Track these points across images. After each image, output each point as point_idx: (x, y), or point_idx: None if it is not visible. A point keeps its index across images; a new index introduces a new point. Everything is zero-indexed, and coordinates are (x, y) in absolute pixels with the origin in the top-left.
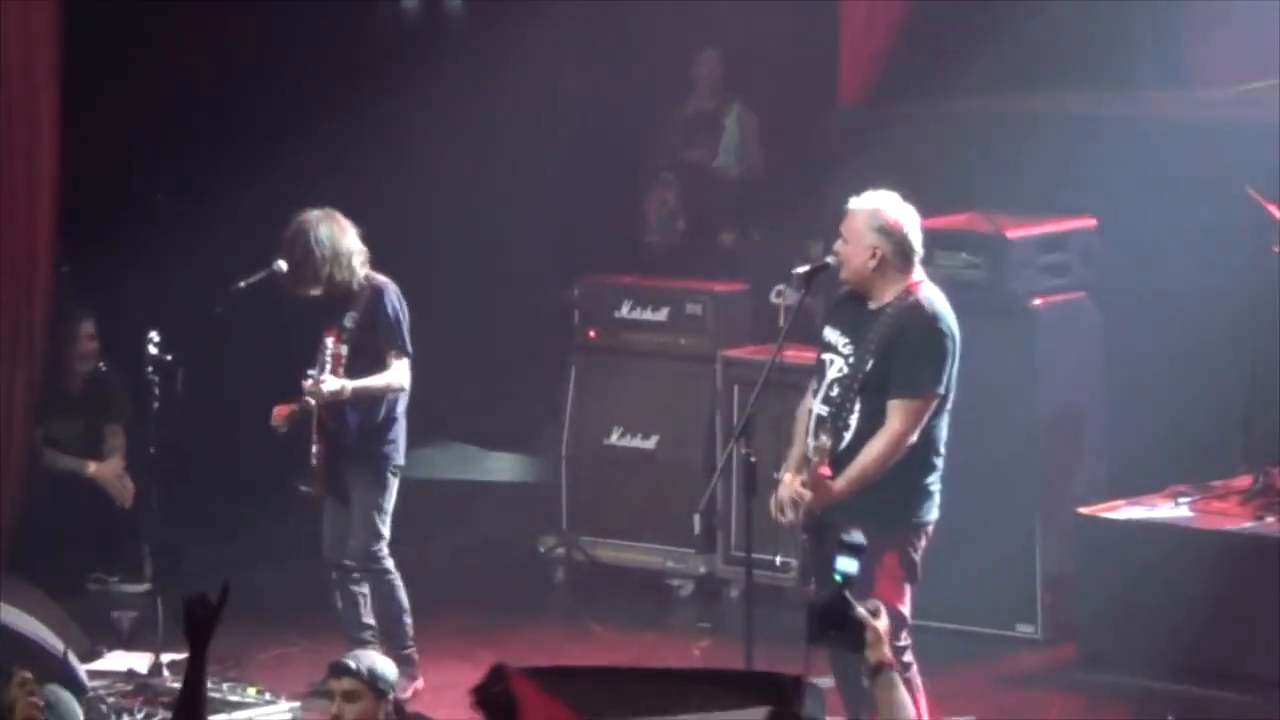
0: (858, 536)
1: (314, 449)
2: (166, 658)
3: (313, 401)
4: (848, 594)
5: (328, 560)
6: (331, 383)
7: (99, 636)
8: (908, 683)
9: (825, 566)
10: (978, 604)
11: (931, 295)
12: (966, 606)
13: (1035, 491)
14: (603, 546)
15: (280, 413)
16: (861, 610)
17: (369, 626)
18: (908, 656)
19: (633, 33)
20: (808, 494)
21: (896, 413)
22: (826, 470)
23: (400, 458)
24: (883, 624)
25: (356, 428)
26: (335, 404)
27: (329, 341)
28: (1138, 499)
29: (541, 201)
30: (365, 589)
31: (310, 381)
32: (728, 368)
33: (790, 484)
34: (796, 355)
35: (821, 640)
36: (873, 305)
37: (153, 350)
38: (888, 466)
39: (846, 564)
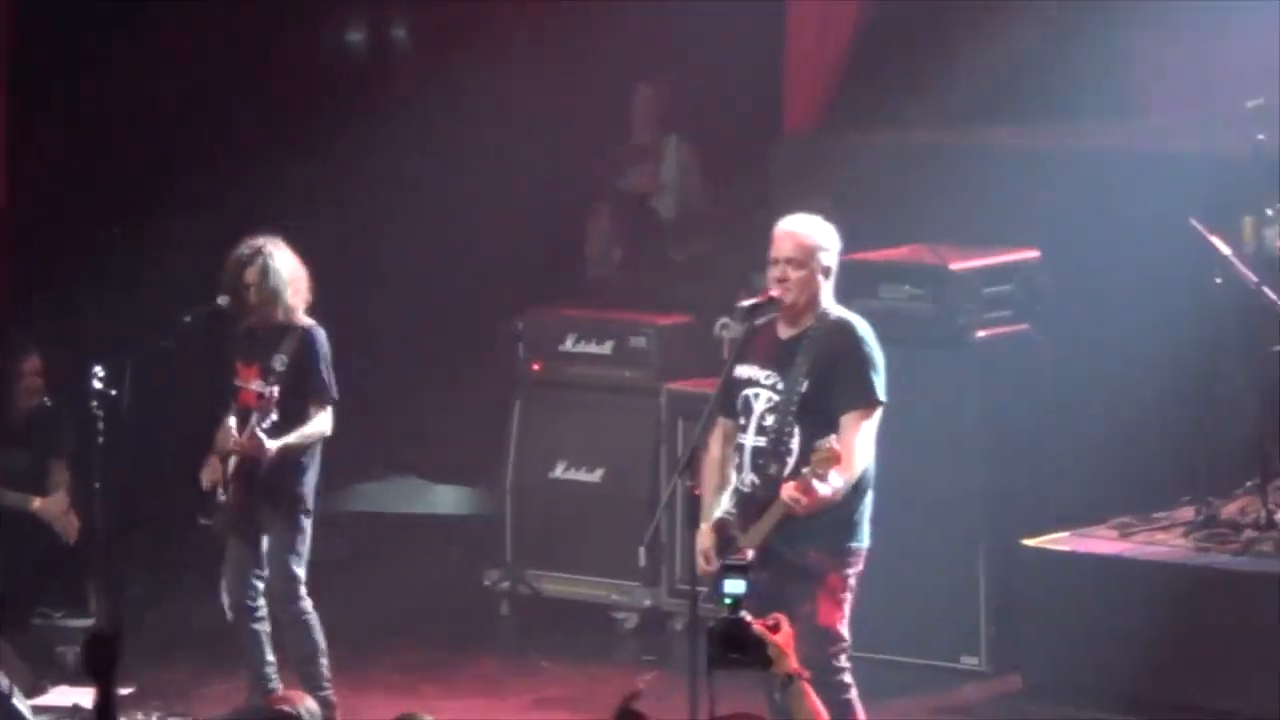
0: (739, 559)
1: (227, 489)
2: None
3: (238, 449)
4: (743, 614)
5: (226, 601)
6: (269, 442)
7: (44, 671)
8: (847, 705)
9: (776, 593)
10: (921, 636)
11: (849, 312)
12: (910, 638)
13: (979, 523)
14: (548, 580)
15: (215, 467)
16: (759, 627)
17: (271, 663)
18: (847, 677)
19: (577, 65)
20: (803, 499)
21: (854, 424)
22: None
23: (311, 501)
24: (783, 636)
25: (271, 471)
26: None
27: (257, 386)
28: (1082, 531)
29: (486, 233)
30: (266, 627)
31: (245, 436)
32: (672, 400)
33: (707, 534)
34: None
35: (725, 664)
36: (785, 334)
37: (97, 385)
38: (854, 479)
39: (733, 585)
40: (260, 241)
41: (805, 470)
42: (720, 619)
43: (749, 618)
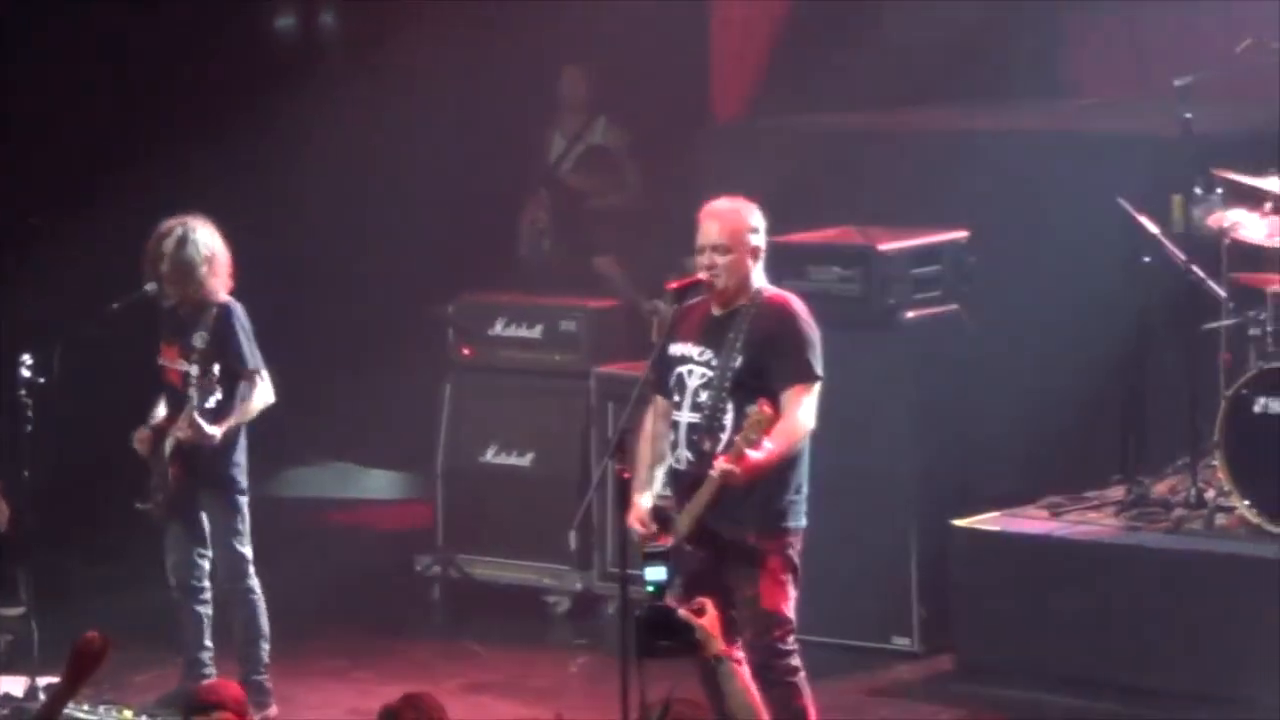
0: (658, 545)
1: (165, 472)
2: (43, 681)
3: (181, 436)
4: (668, 600)
5: (171, 581)
6: (212, 429)
7: None
8: (795, 687)
9: (713, 572)
10: (853, 617)
11: (782, 290)
12: (842, 620)
13: (910, 504)
14: (479, 564)
15: (144, 437)
16: (684, 612)
17: (208, 649)
18: (794, 660)
19: (508, 50)
20: (736, 469)
21: (795, 399)
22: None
23: (244, 479)
24: (709, 618)
25: (208, 453)
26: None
27: (180, 365)
28: (1012, 511)
29: (417, 219)
30: (209, 610)
31: (186, 424)
32: (602, 384)
33: (641, 508)
34: None
35: (654, 651)
36: (719, 312)
37: (25, 373)
38: (795, 450)
39: (654, 572)
40: (178, 220)
41: (737, 436)
42: (646, 607)
43: (674, 603)
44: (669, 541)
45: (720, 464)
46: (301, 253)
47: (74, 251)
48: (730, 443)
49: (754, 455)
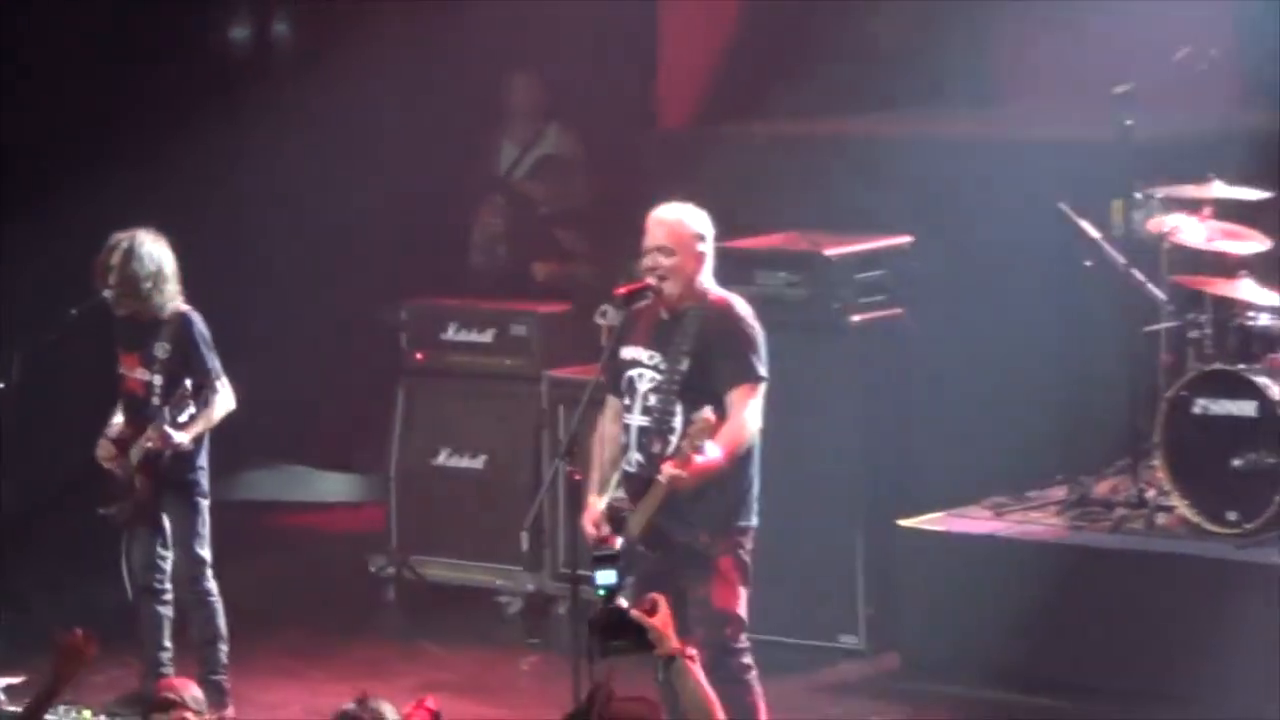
0: (607, 549)
1: (133, 480)
2: (1, 681)
3: (150, 445)
4: (619, 601)
5: (137, 583)
6: (181, 436)
7: None
8: (747, 685)
9: (666, 573)
10: (801, 616)
11: (727, 293)
12: (790, 618)
13: (856, 505)
14: (432, 565)
15: (110, 453)
16: (636, 612)
17: (167, 649)
18: (747, 658)
19: (457, 57)
20: (683, 474)
21: (740, 401)
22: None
23: (206, 483)
24: (660, 618)
25: (171, 458)
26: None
27: (141, 375)
28: (957, 510)
29: (370, 225)
30: (169, 611)
31: (155, 434)
32: (553, 387)
33: (596, 507)
34: None
35: (609, 652)
36: (667, 315)
37: None
38: (740, 452)
39: (604, 576)
40: (130, 232)
41: (683, 443)
42: (598, 609)
43: (625, 604)
44: (617, 543)
45: (666, 470)
46: (255, 259)
47: (29, 259)
48: (679, 447)
49: (699, 461)
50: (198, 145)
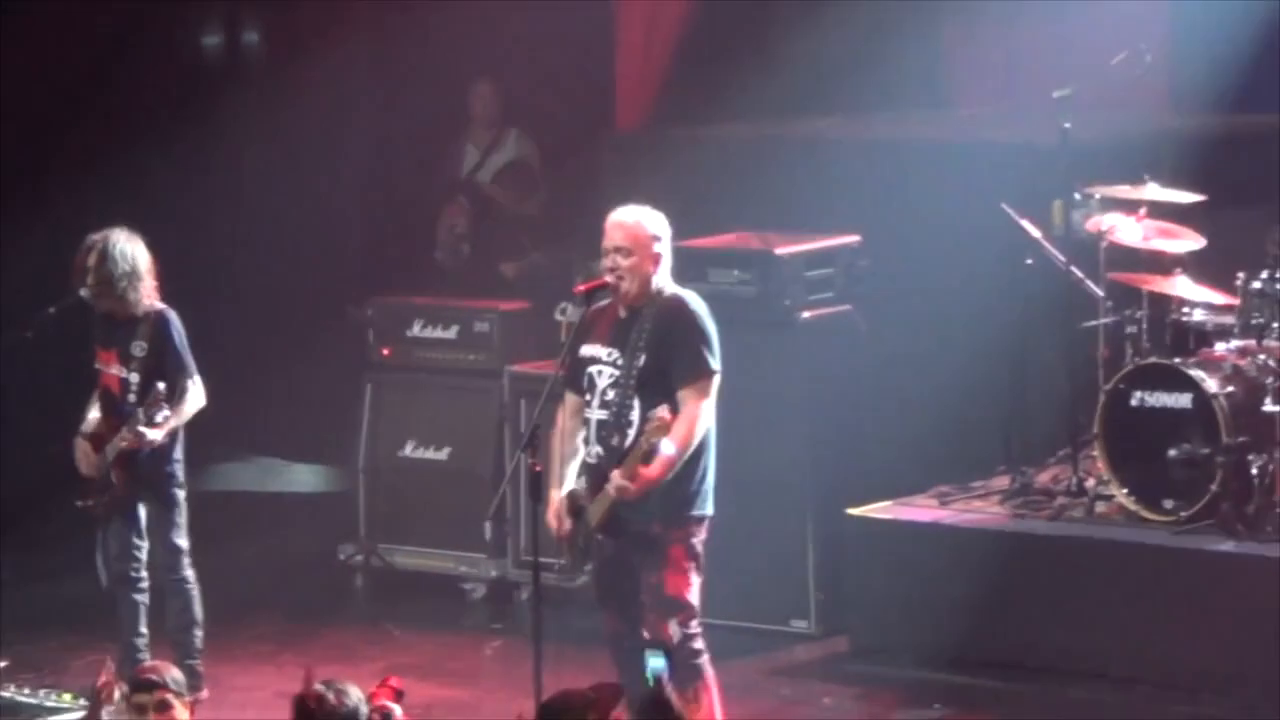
0: (661, 644)
1: (109, 475)
2: None
3: (125, 444)
4: (665, 689)
5: (113, 571)
6: (151, 434)
7: None
8: (697, 669)
9: (623, 559)
10: (753, 601)
11: (682, 290)
12: (743, 604)
13: (806, 494)
14: (399, 553)
15: (86, 450)
16: (678, 701)
17: (143, 635)
18: (698, 644)
19: (422, 64)
20: (630, 485)
21: (690, 397)
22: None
23: (182, 474)
24: (703, 712)
25: (148, 453)
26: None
27: (117, 371)
28: (904, 499)
29: (338, 225)
30: (145, 599)
31: (130, 433)
32: (514, 382)
33: (557, 500)
34: None
35: None
36: (624, 313)
37: None
38: (693, 447)
39: (655, 662)
40: (106, 232)
41: (640, 440)
42: (644, 694)
43: (669, 692)
44: (672, 635)
45: (614, 480)
46: (229, 259)
47: (3, 259)
48: (636, 439)
49: (649, 472)
50: (170, 148)
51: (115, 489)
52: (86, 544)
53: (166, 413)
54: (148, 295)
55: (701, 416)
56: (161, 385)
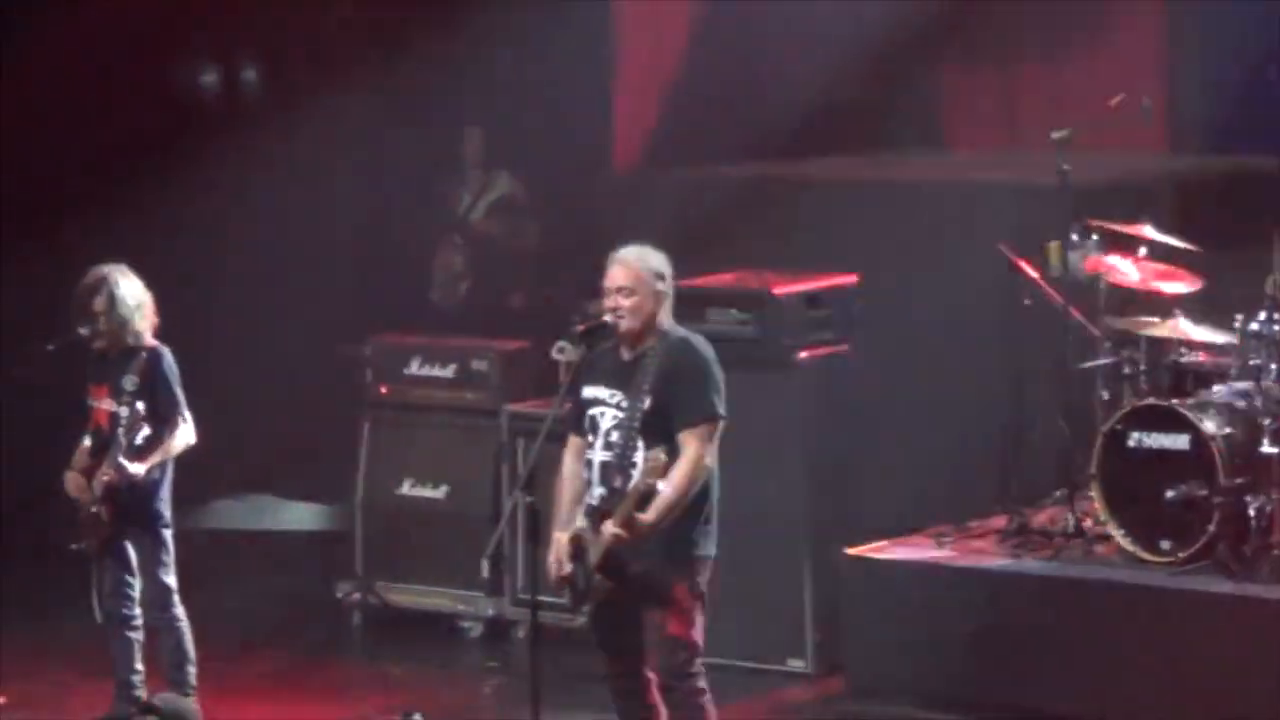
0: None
1: (98, 511)
2: None
3: (106, 479)
4: None
5: (106, 609)
6: (133, 468)
7: None
8: (700, 708)
9: (624, 600)
10: (751, 640)
11: (688, 332)
12: (740, 643)
13: (804, 533)
14: (397, 591)
15: (78, 484)
16: None
17: (139, 672)
18: (701, 683)
19: (417, 103)
20: (624, 533)
21: (692, 440)
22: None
23: (169, 513)
24: None
25: (133, 491)
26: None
27: (108, 405)
28: (901, 539)
29: (335, 263)
30: (139, 636)
31: (110, 468)
32: (512, 420)
33: (561, 541)
34: None
35: None
36: (628, 355)
37: None
38: (691, 492)
39: None
40: (105, 270)
41: (634, 483)
42: None
43: None
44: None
45: (607, 529)
46: (225, 296)
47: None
48: (625, 497)
49: (644, 519)
50: (165, 185)
51: (102, 526)
52: (82, 581)
53: (145, 433)
54: (144, 331)
55: (700, 463)
56: (140, 405)
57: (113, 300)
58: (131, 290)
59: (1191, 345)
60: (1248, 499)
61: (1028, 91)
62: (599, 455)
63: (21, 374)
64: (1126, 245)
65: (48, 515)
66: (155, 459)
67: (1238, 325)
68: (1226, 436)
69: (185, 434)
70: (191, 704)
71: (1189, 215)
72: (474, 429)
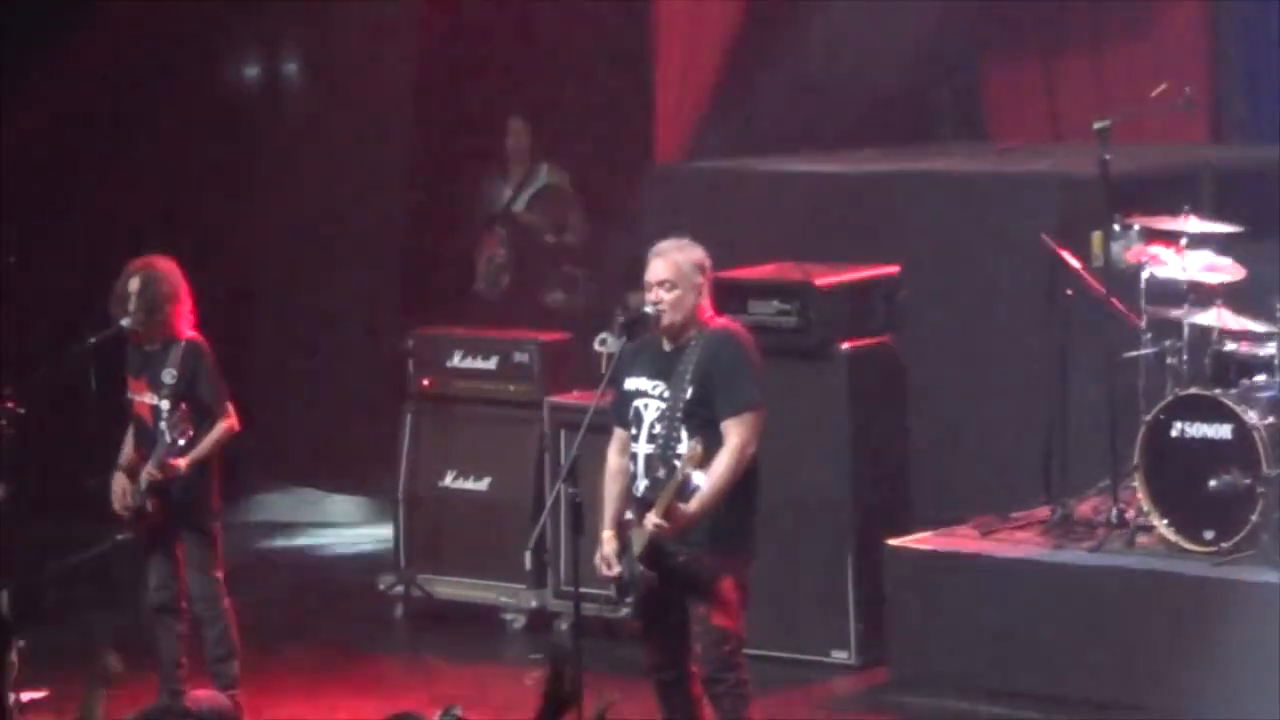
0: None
1: (144, 504)
2: (25, 696)
3: (158, 475)
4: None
5: (153, 602)
6: (181, 463)
7: None
8: (743, 699)
9: (669, 590)
10: (794, 632)
11: (728, 322)
12: (783, 634)
13: (847, 524)
14: (439, 583)
15: (124, 485)
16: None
17: (183, 665)
18: (742, 673)
19: (459, 93)
20: (666, 525)
21: (734, 429)
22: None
23: (217, 505)
24: None
25: (181, 483)
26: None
27: (148, 399)
28: (945, 530)
29: (380, 256)
30: (184, 629)
31: (156, 465)
32: (554, 413)
33: (610, 541)
34: None
35: None
36: (669, 347)
37: (7, 404)
38: (734, 482)
39: None
40: (147, 259)
41: (674, 474)
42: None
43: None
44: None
45: (649, 519)
46: (270, 287)
47: (45, 286)
48: (666, 486)
49: (686, 510)
50: (208, 178)
51: (152, 517)
52: (125, 574)
53: (191, 432)
54: (184, 324)
55: (743, 451)
56: (183, 405)
57: (145, 284)
58: (166, 280)
59: (1233, 335)
60: None
61: (1070, 82)
62: (643, 448)
63: (67, 368)
64: (1168, 235)
65: (89, 506)
66: (199, 453)
67: (1279, 314)
68: (1269, 425)
69: (229, 426)
70: (230, 707)
71: (1231, 205)
72: (516, 421)
